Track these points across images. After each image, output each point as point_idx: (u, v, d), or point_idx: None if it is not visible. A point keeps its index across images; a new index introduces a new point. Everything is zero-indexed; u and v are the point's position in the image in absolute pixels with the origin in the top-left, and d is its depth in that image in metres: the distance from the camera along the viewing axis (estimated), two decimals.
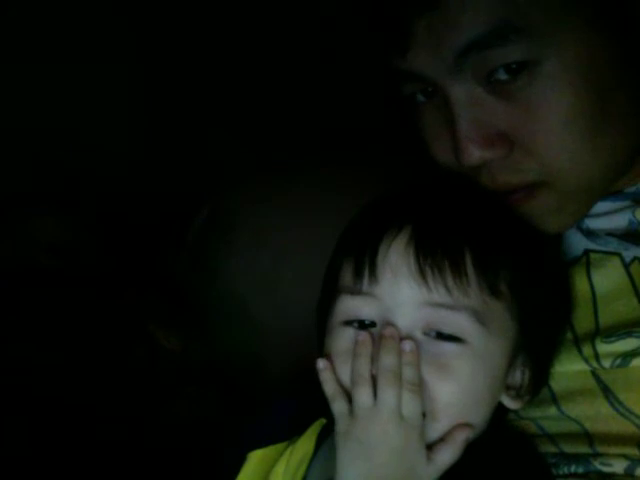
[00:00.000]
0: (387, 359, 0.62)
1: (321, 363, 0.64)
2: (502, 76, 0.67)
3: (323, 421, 0.72)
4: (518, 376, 0.68)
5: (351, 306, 0.66)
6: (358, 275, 0.65)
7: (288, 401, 0.79)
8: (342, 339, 0.66)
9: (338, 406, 0.63)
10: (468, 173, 0.71)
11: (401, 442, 0.60)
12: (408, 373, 0.61)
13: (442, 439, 0.62)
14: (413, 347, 0.62)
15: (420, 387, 0.61)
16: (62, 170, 1.39)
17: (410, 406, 0.61)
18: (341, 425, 0.62)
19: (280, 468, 0.71)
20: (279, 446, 0.73)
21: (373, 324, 0.65)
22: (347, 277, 0.67)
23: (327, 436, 0.70)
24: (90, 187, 1.36)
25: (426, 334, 0.64)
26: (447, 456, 0.62)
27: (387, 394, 0.61)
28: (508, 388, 0.68)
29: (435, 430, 0.63)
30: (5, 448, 1.00)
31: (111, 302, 1.19)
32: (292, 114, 1.34)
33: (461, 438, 0.62)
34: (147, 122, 1.48)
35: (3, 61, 1.33)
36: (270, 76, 1.37)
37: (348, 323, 0.66)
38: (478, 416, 0.65)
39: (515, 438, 0.70)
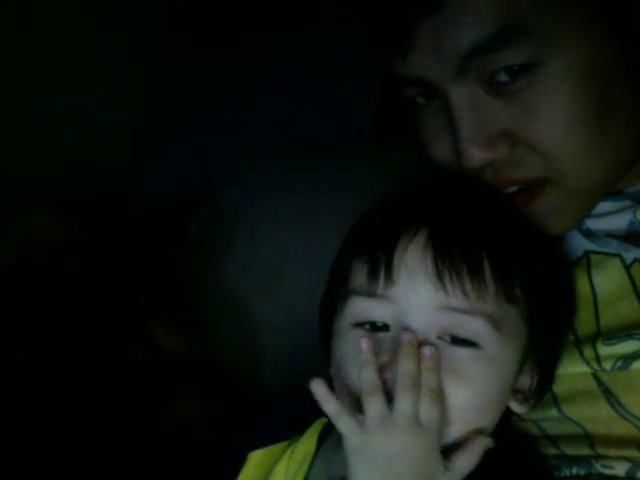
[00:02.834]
0: (406, 365, 0.60)
1: (315, 387, 0.61)
2: (503, 78, 0.67)
3: (324, 420, 0.71)
4: (526, 380, 0.68)
5: (363, 308, 0.65)
6: (373, 276, 0.64)
7: (288, 401, 0.78)
8: (352, 342, 0.64)
9: (344, 423, 0.59)
10: (471, 173, 0.71)
11: (420, 451, 0.58)
12: (429, 379, 0.59)
13: (461, 447, 0.61)
14: (433, 353, 0.60)
15: (440, 394, 0.60)
16: (62, 170, 1.39)
17: (429, 414, 0.59)
18: (353, 440, 0.59)
19: (281, 468, 0.71)
20: (280, 446, 0.73)
21: (385, 327, 0.64)
22: (360, 278, 0.66)
23: (328, 435, 0.70)
24: (90, 187, 1.36)
25: (441, 338, 0.63)
26: (466, 464, 0.60)
27: (405, 402, 0.59)
28: (515, 392, 0.68)
29: (447, 434, 0.62)
30: (5, 448, 1.00)
31: (111, 302, 1.19)
32: (292, 114, 1.34)
33: (480, 447, 0.61)
34: (147, 122, 1.48)
35: (3, 61, 1.33)
36: (270, 76, 1.37)
37: (358, 325, 0.65)
38: (489, 421, 0.64)
39: (518, 440, 0.70)
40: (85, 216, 1.31)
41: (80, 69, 1.40)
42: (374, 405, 0.59)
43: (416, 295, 0.63)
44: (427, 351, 0.60)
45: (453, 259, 0.63)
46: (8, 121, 1.35)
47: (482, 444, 0.61)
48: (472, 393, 0.62)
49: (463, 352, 0.62)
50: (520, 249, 0.67)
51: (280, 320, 1.11)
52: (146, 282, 1.26)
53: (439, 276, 0.62)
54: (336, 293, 0.69)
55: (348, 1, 1.05)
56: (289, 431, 0.73)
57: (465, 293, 0.62)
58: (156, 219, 1.36)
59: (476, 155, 0.68)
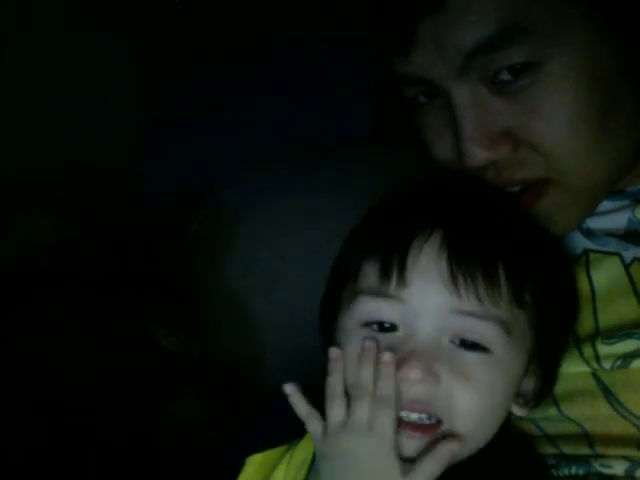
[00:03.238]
0: (363, 373, 0.61)
1: (288, 389, 0.64)
2: (506, 77, 0.67)
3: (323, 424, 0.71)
4: (529, 384, 0.68)
5: (373, 308, 0.64)
6: (385, 276, 0.63)
7: (287, 404, 0.78)
8: (360, 342, 0.63)
9: (311, 426, 0.63)
10: (472, 172, 0.71)
11: (372, 457, 0.60)
12: (382, 386, 0.60)
13: (427, 452, 0.60)
14: (390, 359, 0.60)
15: (393, 400, 0.60)
16: (62, 170, 1.39)
17: (381, 420, 0.60)
18: (317, 442, 0.62)
19: (280, 472, 0.70)
20: (279, 450, 0.72)
21: (393, 327, 0.63)
22: (371, 278, 0.64)
23: None
24: (90, 187, 1.36)
25: (452, 342, 0.62)
26: (430, 470, 0.59)
27: (359, 409, 0.60)
28: (518, 396, 0.68)
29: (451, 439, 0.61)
30: (5, 448, 1.00)
31: (111, 302, 1.19)
32: (292, 114, 1.34)
33: (446, 453, 0.60)
34: (147, 122, 1.48)
35: (3, 61, 1.33)
36: (270, 76, 1.37)
37: (367, 325, 0.64)
38: (493, 425, 0.64)
39: (515, 439, 0.70)
40: (85, 216, 1.31)
41: (80, 69, 1.40)
42: (334, 410, 0.61)
43: (429, 298, 0.62)
44: (385, 356, 0.60)
45: (468, 263, 0.62)
46: (8, 121, 1.35)
47: (449, 450, 0.60)
48: (479, 397, 0.62)
49: (473, 356, 0.62)
50: (532, 253, 0.66)
51: (280, 320, 1.11)
52: (146, 282, 1.26)
53: (453, 280, 0.62)
54: (339, 292, 0.68)
55: (348, 1, 1.05)
56: (288, 434, 0.73)
57: (479, 298, 0.62)
58: (156, 219, 1.36)
59: (478, 154, 0.68)
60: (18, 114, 1.35)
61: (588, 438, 0.70)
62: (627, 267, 0.73)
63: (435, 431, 0.61)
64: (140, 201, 1.43)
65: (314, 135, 1.29)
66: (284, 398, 0.78)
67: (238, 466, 0.74)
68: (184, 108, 1.43)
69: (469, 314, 0.62)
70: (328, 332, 0.70)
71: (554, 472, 0.70)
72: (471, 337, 0.62)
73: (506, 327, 0.62)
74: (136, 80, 1.47)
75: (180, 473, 1.03)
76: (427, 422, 0.61)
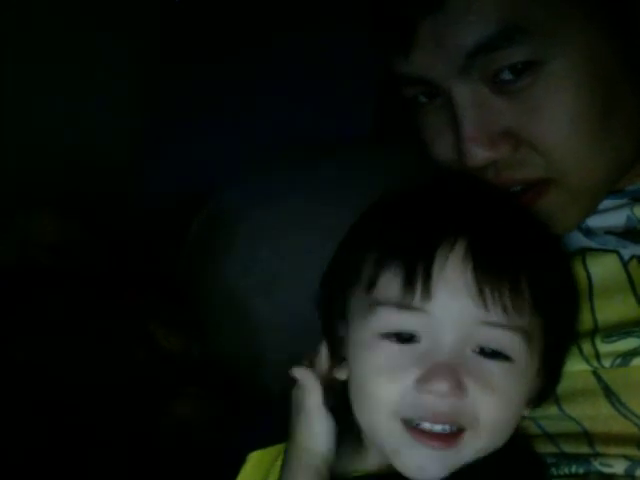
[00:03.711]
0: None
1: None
2: (507, 76, 0.67)
3: None
4: (536, 386, 0.68)
5: (395, 319, 0.62)
6: (409, 287, 0.61)
7: (287, 401, 0.79)
8: (383, 355, 0.63)
9: None
10: (473, 172, 0.71)
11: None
12: (298, 374, 0.72)
13: None
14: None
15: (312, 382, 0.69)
16: (62, 170, 1.39)
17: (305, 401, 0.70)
18: None
19: (278, 468, 0.71)
20: (279, 447, 0.73)
21: (413, 337, 0.62)
22: (392, 288, 0.62)
23: None
24: (90, 187, 1.36)
25: (475, 351, 0.62)
26: None
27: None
28: None
29: (472, 447, 0.62)
30: (5, 448, 1.00)
31: (111, 302, 1.19)
32: (292, 114, 1.34)
33: None
34: (147, 122, 1.48)
35: (3, 61, 1.33)
36: (270, 76, 1.37)
37: (384, 336, 0.63)
38: (510, 429, 0.64)
39: (512, 438, 0.70)
40: (85, 216, 1.31)
41: (80, 69, 1.40)
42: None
43: (455, 309, 0.61)
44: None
45: (495, 275, 0.61)
46: (8, 121, 1.35)
47: None
48: (501, 405, 0.62)
49: (495, 365, 0.62)
50: (548, 259, 0.66)
51: (280, 320, 1.11)
52: (146, 282, 1.26)
53: (480, 292, 0.61)
54: (345, 299, 0.67)
55: (348, 1, 1.05)
56: (287, 433, 0.73)
57: (505, 309, 0.61)
58: (156, 219, 1.36)
59: (479, 154, 0.68)
60: (18, 114, 1.35)
61: (588, 437, 0.70)
62: (625, 265, 0.73)
63: (456, 439, 0.61)
64: (140, 201, 1.43)
65: (314, 135, 1.29)
66: (284, 397, 0.79)
67: (238, 466, 0.74)
68: (184, 108, 1.43)
69: (495, 325, 0.61)
70: (329, 335, 0.70)
71: (554, 471, 0.70)
72: (495, 347, 0.62)
73: (528, 336, 0.62)
74: (136, 80, 1.47)
75: (180, 473, 1.03)
76: (448, 431, 0.61)
